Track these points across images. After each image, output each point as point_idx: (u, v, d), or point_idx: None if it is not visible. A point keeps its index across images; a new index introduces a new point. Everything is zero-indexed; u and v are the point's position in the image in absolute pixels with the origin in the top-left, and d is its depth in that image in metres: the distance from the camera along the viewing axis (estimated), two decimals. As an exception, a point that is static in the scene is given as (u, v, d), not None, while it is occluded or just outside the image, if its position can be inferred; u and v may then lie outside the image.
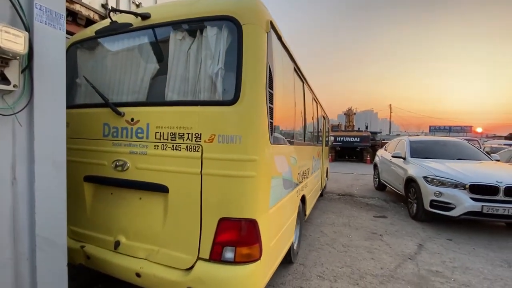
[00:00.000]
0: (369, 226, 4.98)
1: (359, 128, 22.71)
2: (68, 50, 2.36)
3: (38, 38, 1.38)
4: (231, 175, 1.72)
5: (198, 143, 1.78)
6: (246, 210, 1.74)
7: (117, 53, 2.20)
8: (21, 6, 1.30)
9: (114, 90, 2.14)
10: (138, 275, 1.85)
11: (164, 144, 1.86)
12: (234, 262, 1.72)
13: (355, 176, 12.06)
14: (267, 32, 1.85)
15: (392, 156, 6.93)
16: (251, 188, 1.75)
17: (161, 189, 1.87)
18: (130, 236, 2.01)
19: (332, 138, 8.79)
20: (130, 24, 2.09)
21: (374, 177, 9.26)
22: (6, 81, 1.24)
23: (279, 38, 2.19)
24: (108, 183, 2.08)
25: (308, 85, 3.91)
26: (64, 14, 1.51)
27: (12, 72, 1.27)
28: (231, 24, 1.79)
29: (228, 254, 1.72)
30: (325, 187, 7.57)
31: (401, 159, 6.53)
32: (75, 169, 2.21)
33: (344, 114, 23.27)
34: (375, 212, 6.00)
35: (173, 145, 1.84)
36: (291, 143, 2.64)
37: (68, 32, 2.61)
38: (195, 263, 1.75)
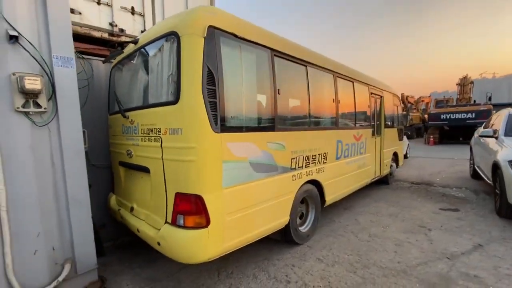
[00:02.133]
0: (423, 218, 4.31)
1: (474, 101, 17.66)
2: (110, 72, 3.40)
3: (57, 77, 2.25)
4: (179, 160, 2.20)
5: (159, 135, 2.33)
6: (191, 187, 2.18)
7: (125, 71, 3.03)
8: (44, 60, 2.18)
9: (127, 99, 2.97)
10: (138, 231, 2.62)
11: (144, 137, 2.52)
12: (184, 226, 2.20)
13: (453, 162, 9.86)
14: (204, 37, 2.17)
15: (480, 136, 5.45)
16: (195, 170, 2.16)
17: (147, 170, 2.55)
18: (138, 203, 2.81)
19: (408, 117, 7.48)
20: (130, 49, 2.85)
21: (470, 162, 7.42)
22: (39, 106, 2.16)
23: (233, 35, 2.42)
24: (127, 166, 2.96)
25: (323, 67, 3.76)
26: (73, 57, 2.34)
27: (42, 100, 2.17)
28: (175, 37, 2.21)
29: (180, 220, 2.22)
30: (390, 174, 6.75)
31: (493, 139, 5.08)
32: (115, 156, 3.23)
33: (458, 85, 18.47)
34: (446, 205, 5.02)
35: (149, 138, 2.47)
36: (270, 129, 2.81)
37: (98, 55, 3.65)
38: (163, 225, 2.34)
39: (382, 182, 6.67)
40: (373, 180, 5.65)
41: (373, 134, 5.58)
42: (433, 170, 8.48)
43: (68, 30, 2.31)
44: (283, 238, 3.28)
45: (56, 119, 2.27)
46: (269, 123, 2.83)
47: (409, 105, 23.49)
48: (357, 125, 4.82)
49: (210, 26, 2.22)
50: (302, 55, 3.35)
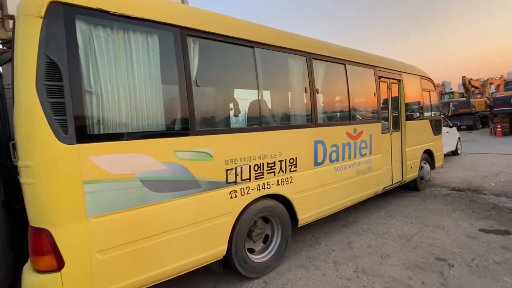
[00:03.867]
0: (447, 245, 3.10)
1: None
2: None
3: None
4: (22, 183, 1.67)
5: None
6: (35, 219, 1.64)
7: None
8: None
9: None
10: None
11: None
12: (37, 270, 1.68)
13: (523, 160, 7.60)
14: (42, 18, 1.60)
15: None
16: (35, 196, 1.61)
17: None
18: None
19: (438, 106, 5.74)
20: None
21: (543, 161, 5.49)
22: None
23: (104, 11, 1.81)
24: None
25: (283, 46, 2.88)
26: None
27: None
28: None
29: (30, 261, 1.70)
30: (421, 178, 5.34)
31: None
32: None
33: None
34: (493, 223, 3.63)
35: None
36: (181, 133, 2.12)
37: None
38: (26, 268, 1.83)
39: (410, 188, 5.32)
40: (388, 188, 4.45)
41: (385, 129, 4.38)
42: (489, 171, 6.60)
43: None
44: (221, 273, 2.54)
45: None
46: (179, 125, 2.14)
47: (472, 89, 19.82)
48: (354, 119, 3.76)
49: (53, 2, 1.64)
50: (243, 33, 2.55)
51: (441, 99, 21.78)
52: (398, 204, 4.63)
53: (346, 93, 3.63)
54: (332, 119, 3.57)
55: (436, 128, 5.76)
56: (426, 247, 3.09)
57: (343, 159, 3.53)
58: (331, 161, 3.36)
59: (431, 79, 5.65)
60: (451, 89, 24.58)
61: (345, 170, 3.55)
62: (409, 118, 4.83)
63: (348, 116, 3.66)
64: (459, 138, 9.02)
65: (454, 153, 8.95)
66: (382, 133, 4.24)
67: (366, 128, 3.87)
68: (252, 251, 2.84)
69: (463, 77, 19.73)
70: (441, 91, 24.51)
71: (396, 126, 4.68)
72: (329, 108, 3.62)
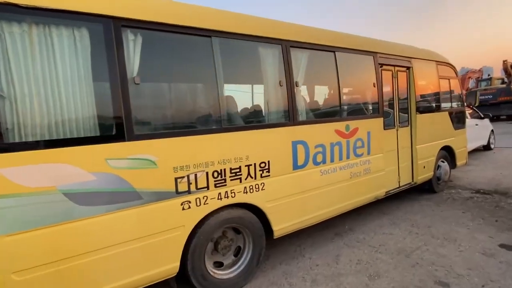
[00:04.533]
0: (454, 265, 2.60)
1: None
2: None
3: None
4: None
5: None
6: None
7: None
8: None
9: None
10: None
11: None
12: None
13: None
14: None
15: None
16: None
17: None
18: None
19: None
20: None
21: None
22: None
23: (13, 4, 1.59)
24: None
25: (246, 34, 2.51)
26: None
27: None
28: None
29: None
30: (438, 179, 4.69)
31: None
32: None
33: None
34: (518, 236, 3.01)
35: None
36: (113, 138, 1.87)
37: None
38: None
39: (426, 190, 4.70)
40: (394, 192, 3.93)
41: (390, 125, 3.85)
42: (526, 169, 5.70)
43: None
44: None
45: None
46: (112, 130, 1.89)
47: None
48: (346, 114, 3.29)
49: None
50: (196, 21, 2.22)
51: (477, 87, 19.73)
52: (407, 210, 4.08)
53: (336, 85, 3.18)
54: (317, 116, 3.15)
55: (458, 121, 5.03)
56: (427, 266, 2.61)
57: (331, 160, 3.10)
58: (316, 163, 2.96)
59: (451, 64, 4.91)
60: (488, 75, 22.12)
61: (335, 173, 3.13)
62: (421, 111, 4.21)
63: (338, 112, 3.20)
64: (492, 130, 7.96)
65: (486, 147, 7.92)
66: (385, 130, 3.71)
67: (362, 125, 3.38)
68: (221, 264, 2.57)
69: (504, 61, 17.57)
70: (478, 77, 22.18)
71: (405, 120, 4.10)
72: (313, 104, 3.20)
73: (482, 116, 7.61)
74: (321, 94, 3.34)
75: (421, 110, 4.21)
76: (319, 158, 2.98)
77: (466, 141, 5.30)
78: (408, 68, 4.09)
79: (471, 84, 22.63)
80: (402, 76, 4.04)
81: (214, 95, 2.33)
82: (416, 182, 4.24)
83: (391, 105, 3.93)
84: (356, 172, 3.33)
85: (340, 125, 3.15)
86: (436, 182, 4.71)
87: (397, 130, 3.96)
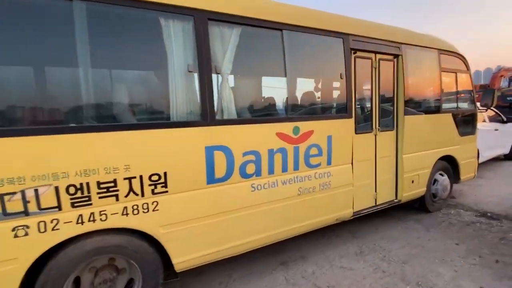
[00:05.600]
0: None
1: None
2: None
3: None
4: None
5: None
6: None
7: None
8: None
9: None
10: None
11: None
12: None
13: None
14: None
15: None
16: None
17: None
18: None
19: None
20: None
21: None
22: None
23: None
24: None
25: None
26: None
27: None
28: None
29: None
30: (434, 196, 3.81)
31: None
32: None
33: None
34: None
35: None
36: None
37: None
38: None
39: (418, 208, 3.85)
40: (368, 212, 3.14)
41: (364, 129, 3.04)
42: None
43: None
44: None
45: None
46: None
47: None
48: (295, 113, 2.54)
49: None
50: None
51: (509, 86, 17.66)
52: (385, 234, 3.27)
53: (282, 74, 2.42)
54: (250, 114, 2.42)
55: (466, 125, 4.08)
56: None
57: (270, 172, 2.38)
58: (245, 176, 2.26)
59: (459, 54, 3.93)
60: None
61: (274, 188, 2.41)
62: (412, 112, 3.35)
63: (282, 110, 2.46)
64: (516, 137, 6.74)
65: (508, 157, 6.74)
66: (357, 134, 2.92)
67: (320, 127, 2.61)
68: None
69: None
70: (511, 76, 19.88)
71: (388, 123, 3.26)
72: (245, 98, 2.46)
73: (505, 119, 6.43)
74: (258, 86, 2.61)
75: (411, 111, 3.34)
76: (250, 169, 2.28)
77: (475, 151, 4.33)
78: (396, 56, 3.22)
79: (503, 83, 20.37)
80: (387, 67, 3.18)
81: (66, 80, 1.69)
82: (401, 200, 3.41)
83: (368, 104, 3.11)
84: (307, 187, 2.59)
85: (285, 127, 2.41)
86: (431, 200, 3.83)
87: (375, 135, 3.14)
